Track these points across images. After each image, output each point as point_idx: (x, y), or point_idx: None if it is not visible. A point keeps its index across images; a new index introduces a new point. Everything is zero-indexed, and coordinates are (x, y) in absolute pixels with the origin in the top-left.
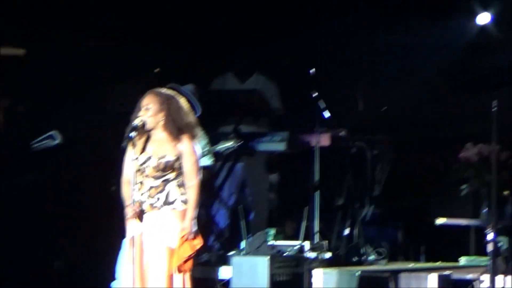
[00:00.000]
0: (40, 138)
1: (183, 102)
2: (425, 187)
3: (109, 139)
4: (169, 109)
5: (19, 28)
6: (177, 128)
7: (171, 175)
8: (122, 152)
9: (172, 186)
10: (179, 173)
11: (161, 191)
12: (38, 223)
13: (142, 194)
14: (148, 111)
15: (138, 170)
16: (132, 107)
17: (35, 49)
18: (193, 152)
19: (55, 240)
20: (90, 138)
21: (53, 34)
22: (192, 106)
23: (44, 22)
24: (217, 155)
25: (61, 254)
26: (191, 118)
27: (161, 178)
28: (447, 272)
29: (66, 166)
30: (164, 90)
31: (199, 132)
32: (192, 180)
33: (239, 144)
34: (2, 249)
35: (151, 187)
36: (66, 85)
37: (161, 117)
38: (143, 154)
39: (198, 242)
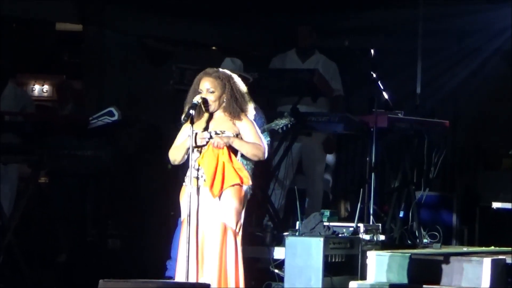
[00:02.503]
0: (99, 113)
1: (239, 80)
2: (481, 170)
3: (167, 117)
4: (232, 90)
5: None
6: (238, 108)
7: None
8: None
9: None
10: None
11: None
12: (93, 201)
13: (198, 170)
14: (211, 95)
15: (196, 147)
16: (188, 85)
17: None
18: (253, 126)
19: (110, 219)
20: (147, 116)
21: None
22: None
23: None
24: (273, 134)
25: (116, 233)
26: (247, 95)
27: None
28: (501, 257)
29: (123, 143)
30: (221, 70)
31: (253, 109)
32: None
33: (293, 122)
34: (55, 226)
35: None
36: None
37: (223, 99)
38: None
39: (245, 176)
